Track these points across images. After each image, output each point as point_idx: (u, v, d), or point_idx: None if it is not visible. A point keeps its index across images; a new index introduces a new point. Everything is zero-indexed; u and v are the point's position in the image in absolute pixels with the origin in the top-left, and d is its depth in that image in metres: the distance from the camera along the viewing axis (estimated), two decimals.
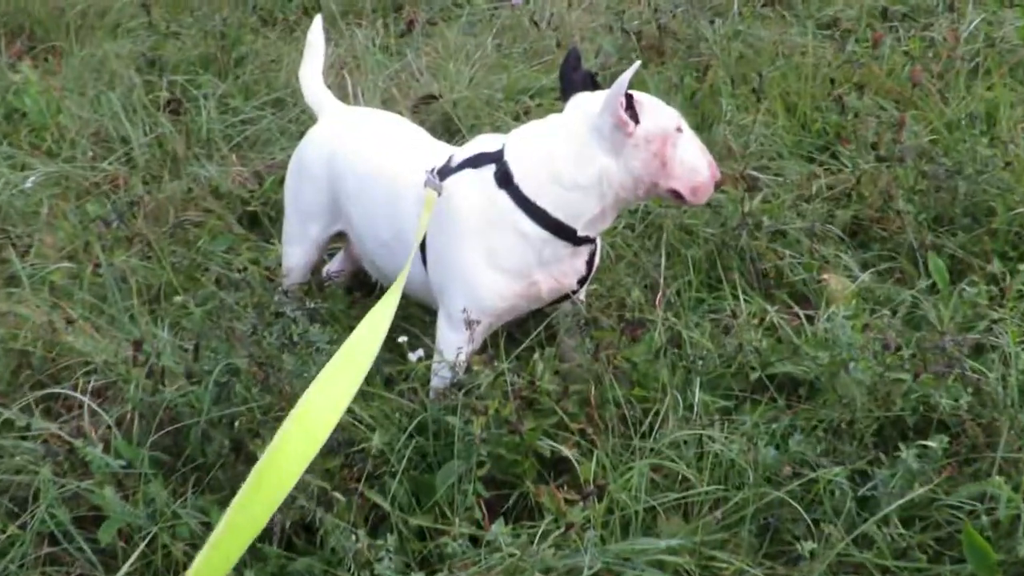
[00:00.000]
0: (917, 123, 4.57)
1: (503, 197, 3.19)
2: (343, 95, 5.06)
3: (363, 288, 3.95)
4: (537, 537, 2.76)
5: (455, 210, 3.24)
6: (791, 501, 2.82)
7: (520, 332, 3.49)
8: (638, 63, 3.14)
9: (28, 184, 4.45)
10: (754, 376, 3.33)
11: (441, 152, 3.52)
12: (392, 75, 5.32)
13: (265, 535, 2.89)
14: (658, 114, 3.17)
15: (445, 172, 3.29)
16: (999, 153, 4.16)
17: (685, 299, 3.67)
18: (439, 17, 6.29)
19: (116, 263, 3.91)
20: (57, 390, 3.21)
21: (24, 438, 3.09)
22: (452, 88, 5.10)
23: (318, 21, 4.04)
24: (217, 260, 4.14)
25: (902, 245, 3.97)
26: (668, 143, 3.14)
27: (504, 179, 3.19)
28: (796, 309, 3.63)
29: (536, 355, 3.17)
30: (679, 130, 3.19)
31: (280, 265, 3.87)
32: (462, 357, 3.23)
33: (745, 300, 3.65)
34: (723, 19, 5.73)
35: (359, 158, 3.58)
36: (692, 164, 3.19)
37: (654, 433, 3.09)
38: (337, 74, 5.23)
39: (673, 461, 2.96)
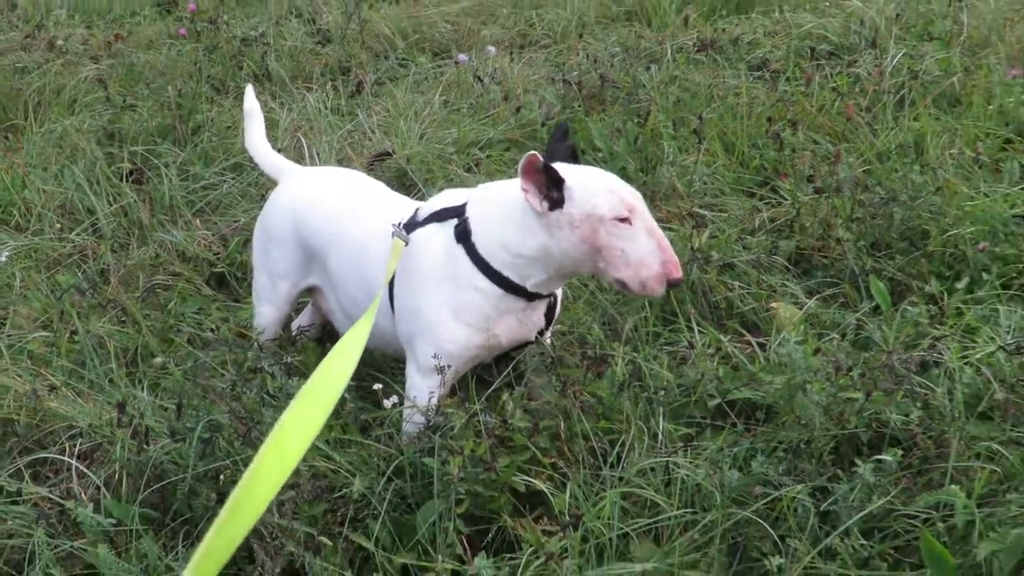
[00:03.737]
0: (850, 155, 4.68)
1: (461, 252, 3.23)
2: (299, 157, 5.12)
3: (332, 340, 3.97)
4: (520, 569, 2.79)
5: (419, 262, 3.29)
6: (758, 519, 2.86)
7: (488, 374, 3.54)
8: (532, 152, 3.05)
9: (3, 258, 4.44)
10: (713, 403, 3.39)
11: (404, 205, 3.58)
12: (345, 135, 5.37)
13: None
14: (586, 200, 3.05)
15: (411, 225, 3.34)
16: (929, 179, 4.26)
17: (643, 333, 3.72)
18: (386, 77, 6.36)
19: (92, 329, 3.92)
20: (44, 455, 3.21)
21: (15, 503, 3.09)
22: (404, 144, 5.16)
23: (250, 90, 4.10)
24: (189, 321, 4.16)
25: (844, 271, 4.06)
26: (599, 231, 3.05)
27: (463, 235, 3.24)
28: (748, 337, 3.70)
29: (505, 395, 3.21)
30: (622, 220, 3.04)
31: (252, 323, 3.90)
32: (433, 401, 3.27)
33: (699, 331, 3.71)
34: (658, 66, 5.83)
35: (326, 216, 3.63)
36: (637, 257, 3.05)
37: (622, 463, 3.14)
38: (292, 137, 5.28)
39: (642, 488, 3.00)
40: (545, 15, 7.32)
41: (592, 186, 3.09)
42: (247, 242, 4.70)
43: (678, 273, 3.06)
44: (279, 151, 4.99)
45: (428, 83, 6.06)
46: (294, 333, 3.93)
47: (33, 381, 3.57)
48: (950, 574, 2.72)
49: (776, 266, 4.08)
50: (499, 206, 3.22)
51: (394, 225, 3.33)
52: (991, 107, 5.01)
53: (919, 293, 3.88)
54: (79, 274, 4.48)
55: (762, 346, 3.64)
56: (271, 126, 5.52)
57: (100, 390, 3.58)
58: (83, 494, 3.03)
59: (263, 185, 5.06)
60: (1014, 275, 3.98)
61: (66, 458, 3.14)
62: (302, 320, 4.07)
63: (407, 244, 3.26)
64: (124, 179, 5.25)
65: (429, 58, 6.82)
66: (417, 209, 3.44)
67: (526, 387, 3.48)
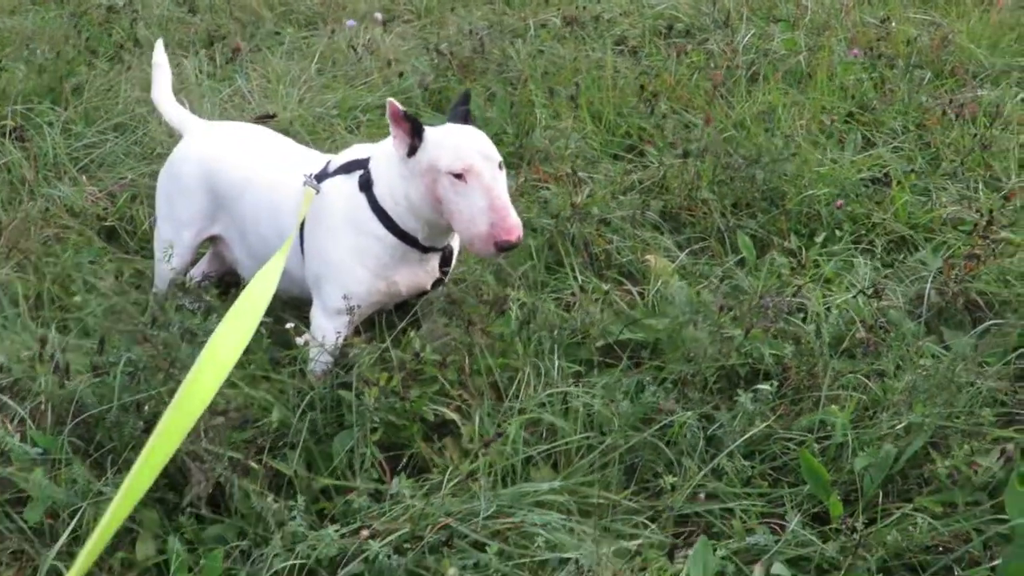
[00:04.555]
0: (706, 125, 4.93)
1: (363, 201, 3.38)
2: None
3: (235, 288, 4.06)
4: (437, 488, 2.95)
5: (327, 209, 3.42)
6: (655, 440, 3.07)
7: (388, 320, 3.67)
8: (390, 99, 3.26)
9: None
10: (600, 343, 3.59)
11: (312, 157, 3.70)
12: (226, 98, 5.42)
13: (178, 508, 3.01)
14: (436, 151, 3.20)
15: (321, 176, 3.46)
16: (785, 145, 4.53)
17: (531, 280, 3.90)
18: (258, 46, 6.41)
19: None
20: None
21: None
22: (285, 108, 5.24)
23: (160, 44, 4.16)
24: (84, 271, 4.17)
25: (709, 228, 4.30)
26: (438, 182, 3.18)
27: (365, 185, 3.38)
28: (628, 286, 3.91)
29: (412, 333, 3.36)
30: (458, 176, 3.16)
31: (154, 270, 3.96)
32: (340, 341, 3.41)
33: (583, 280, 3.91)
34: (523, 40, 6.02)
35: (238, 165, 3.72)
36: (469, 214, 3.15)
37: (520, 396, 3.31)
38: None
39: (543, 416, 3.18)
40: None
41: (441, 140, 3.23)
42: (135, 197, 4.74)
43: (507, 236, 3.10)
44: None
45: (301, 52, 6.13)
46: (195, 280, 3.99)
47: None
48: (826, 488, 2.97)
49: (648, 222, 4.30)
50: (392, 157, 3.36)
51: (305, 175, 3.45)
52: (833, 83, 5.32)
53: (779, 248, 4.14)
54: None
55: (641, 294, 3.86)
56: (148, 89, 5.54)
57: (11, 331, 3.60)
58: (7, 426, 3.07)
59: (147, 144, 5.09)
60: (863, 232, 4.27)
61: None
62: (199, 269, 4.13)
63: (317, 192, 3.39)
64: (7, 136, 5.20)
65: (296, 29, 6.87)
66: (328, 162, 3.56)
67: (423, 330, 3.63)
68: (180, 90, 5.38)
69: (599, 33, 6.05)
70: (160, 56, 4.12)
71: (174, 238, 3.88)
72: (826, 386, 3.21)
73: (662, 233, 4.25)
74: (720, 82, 5.03)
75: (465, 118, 3.45)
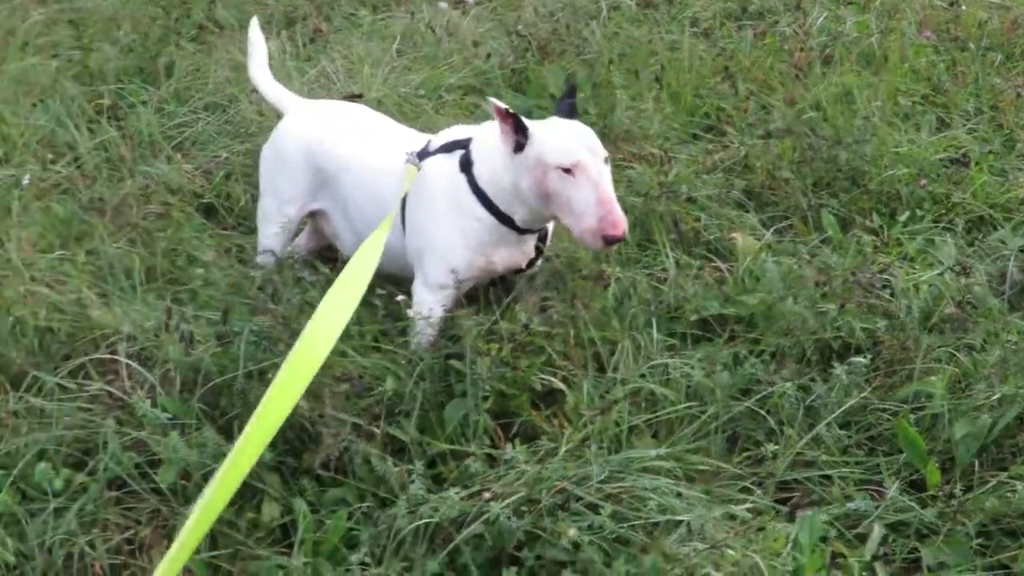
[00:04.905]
0: (788, 105, 5.02)
1: (463, 181, 3.51)
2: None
3: (329, 264, 4.18)
4: (550, 454, 3.07)
5: (428, 187, 3.55)
6: (756, 409, 3.18)
7: (485, 295, 3.80)
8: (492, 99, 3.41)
9: (25, 181, 4.55)
10: (695, 317, 3.69)
11: (412, 136, 3.83)
12: (312, 79, 5.54)
13: (297, 472, 3.15)
14: (543, 146, 3.32)
15: (423, 155, 3.59)
16: (866, 126, 4.62)
17: (624, 257, 4.01)
18: (339, 27, 6.53)
19: (107, 250, 4.07)
20: (97, 356, 3.38)
21: (74, 399, 3.26)
22: (370, 88, 5.35)
23: (255, 22, 4.31)
24: (190, 245, 4.31)
25: (791, 207, 4.39)
26: (547, 176, 3.30)
27: (466, 165, 3.51)
28: (717, 262, 4.02)
29: (518, 307, 3.48)
30: (566, 170, 3.27)
31: (257, 244, 4.09)
32: (440, 313, 3.53)
33: (673, 257, 4.01)
34: (597, 22, 6.11)
35: (341, 144, 3.85)
36: (579, 208, 3.27)
37: (620, 367, 3.43)
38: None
39: (650, 386, 3.30)
40: None
41: (548, 136, 3.36)
42: (230, 175, 4.87)
43: (614, 231, 3.23)
44: (252, 91, 5.18)
45: (380, 34, 6.25)
46: (299, 254, 4.12)
47: (65, 293, 3.71)
48: (923, 456, 3.07)
49: (732, 201, 4.40)
50: (494, 143, 3.48)
51: (408, 153, 3.58)
52: (906, 65, 5.39)
53: (862, 226, 4.23)
54: (75, 203, 4.59)
55: (730, 271, 3.96)
56: (236, 69, 5.68)
57: (130, 303, 3.74)
58: (140, 391, 3.21)
59: (238, 123, 5.23)
60: (943, 211, 4.36)
61: (122, 359, 3.31)
62: (301, 242, 4.26)
63: (419, 170, 3.52)
64: (104, 114, 5.35)
65: (371, 11, 6.98)
66: (429, 141, 3.68)
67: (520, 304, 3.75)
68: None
69: (672, 15, 6.12)
70: (256, 33, 4.26)
71: (277, 212, 4.01)
72: (920, 359, 3.30)
73: (747, 211, 4.34)
74: (802, 64, 5.10)
75: (571, 111, 3.56)
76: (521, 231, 3.54)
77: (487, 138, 3.52)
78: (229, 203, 4.73)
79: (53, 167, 5.01)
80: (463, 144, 3.57)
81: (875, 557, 2.84)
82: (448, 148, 3.60)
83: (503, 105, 3.36)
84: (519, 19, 6.18)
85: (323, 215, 4.03)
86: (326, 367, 3.24)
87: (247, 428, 1.35)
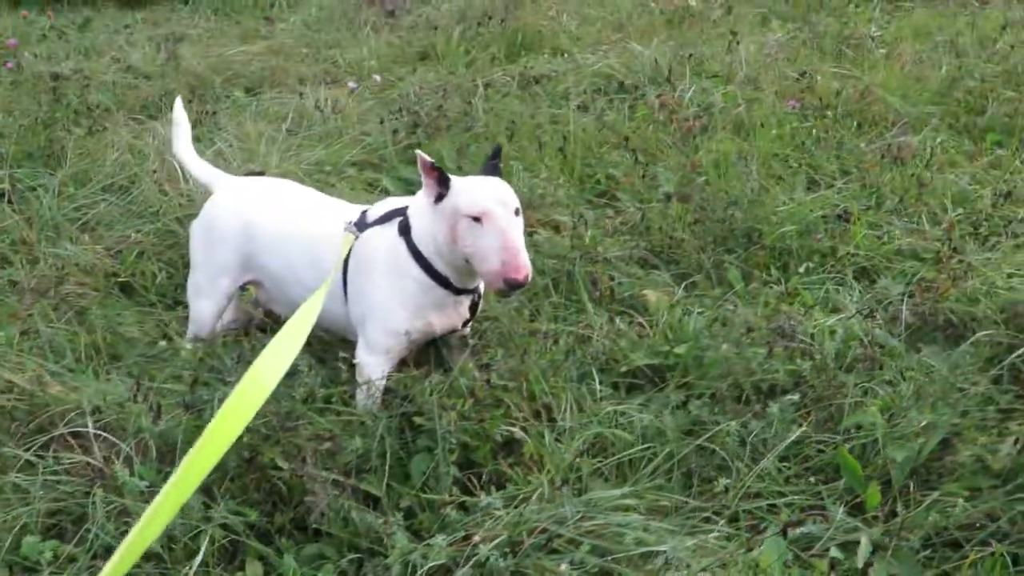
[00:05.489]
0: (668, 170, 5.33)
1: (402, 245, 3.68)
2: (170, 176, 5.36)
3: (271, 329, 4.28)
4: (522, 499, 3.23)
5: (370, 255, 3.71)
6: (709, 445, 3.41)
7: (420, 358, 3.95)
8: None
9: None
10: (623, 369, 3.91)
11: (344, 207, 3.98)
12: (209, 158, 5.62)
13: (274, 529, 3.24)
14: (457, 197, 3.52)
15: (360, 225, 3.74)
16: (753, 188, 4.95)
17: (550, 315, 4.21)
18: (218, 108, 6.63)
19: (42, 329, 4.09)
20: (73, 430, 3.41)
21: (51, 473, 3.29)
22: (268, 165, 5.48)
23: (179, 101, 4.41)
24: (113, 323, 4.35)
25: (693, 264, 4.67)
26: (459, 224, 3.49)
27: (404, 230, 3.68)
28: (638, 317, 4.25)
29: (470, 363, 3.65)
30: (476, 219, 3.46)
31: (190, 317, 4.17)
32: (382, 376, 3.68)
33: (594, 314, 4.23)
34: (475, 99, 6.36)
35: (276, 219, 3.97)
36: (482, 253, 3.45)
37: (566, 415, 3.62)
38: (160, 160, 5.51)
39: (604, 431, 3.50)
40: (344, 54, 7.74)
41: (463, 188, 3.57)
42: (141, 254, 4.93)
43: (516, 275, 3.39)
44: (154, 172, 5.26)
45: (266, 114, 6.37)
46: (225, 325, 4.20)
47: (14, 372, 3.73)
48: (861, 480, 3.34)
49: (637, 260, 4.66)
50: (426, 205, 3.67)
51: (346, 222, 3.73)
52: (773, 132, 5.77)
53: (760, 279, 4.53)
54: None
55: (648, 324, 4.20)
56: (130, 151, 5.74)
57: (80, 380, 3.77)
58: (117, 462, 3.26)
59: (142, 203, 5.28)
60: (832, 263, 4.70)
61: (91, 430, 3.35)
62: (227, 317, 4.34)
63: (356, 238, 3.67)
64: (5, 199, 5.34)
65: (243, 92, 7.11)
66: (364, 211, 3.84)
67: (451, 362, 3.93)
68: (164, 151, 5.59)
69: (546, 91, 6.41)
70: (179, 113, 4.35)
71: (210, 285, 4.10)
72: (849, 394, 3.58)
73: (655, 269, 4.60)
74: (683, 132, 5.42)
75: (494, 170, 3.77)
76: (457, 291, 3.71)
77: (421, 203, 3.70)
78: (144, 281, 4.77)
79: None
80: (401, 211, 3.74)
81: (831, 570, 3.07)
82: (387, 217, 3.76)
83: (428, 158, 3.56)
84: (400, 98, 6.39)
85: (257, 284, 4.13)
86: (298, 424, 3.36)
87: (182, 464, 1.33)
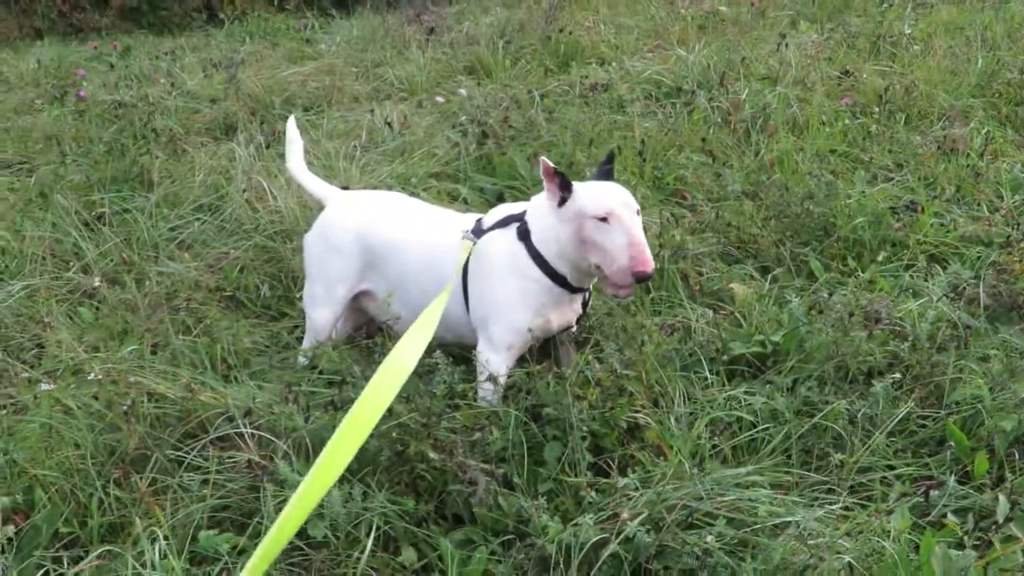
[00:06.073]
0: (734, 170, 5.56)
1: (522, 249, 3.90)
2: (258, 196, 5.59)
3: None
4: (656, 479, 3.46)
5: (491, 259, 3.93)
6: (827, 423, 3.63)
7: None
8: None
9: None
10: (724, 358, 4.14)
11: (454, 215, 4.21)
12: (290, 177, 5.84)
13: (424, 517, 3.46)
14: (583, 200, 3.75)
15: (477, 231, 3.96)
16: (825, 184, 5.18)
17: (649, 310, 4.44)
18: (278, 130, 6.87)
19: (173, 342, 4.31)
20: (227, 431, 3.63)
21: (216, 472, 3.52)
22: (350, 180, 5.69)
23: (292, 120, 4.63)
24: (231, 334, 4.57)
25: (771, 257, 4.90)
26: (585, 224, 3.76)
27: (523, 235, 3.90)
28: (729, 310, 4.48)
29: (606, 351, 3.87)
30: (602, 219, 3.70)
31: (307, 326, 4.38)
32: (505, 371, 3.90)
33: (691, 307, 4.46)
34: (535, 110, 6.59)
35: (391, 227, 4.19)
36: (610, 251, 3.69)
37: (679, 401, 3.84)
38: (249, 179, 5.73)
39: (726, 412, 3.72)
40: (391, 72, 7.97)
41: (587, 191, 3.81)
42: (242, 269, 5.14)
43: (644, 267, 3.67)
44: (240, 193, 5.48)
45: (335, 131, 6.60)
46: (339, 333, 4.40)
47: (165, 383, 3.94)
48: (967, 451, 3.56)
49: (719, 256, 4.88)
50: (545, 208, 3.89)
51: (464, 230, 3.96)
52: (827, 129, 6.00)
53: (837, 269, 4.76)
54: (97, 306, 4.81)
55: (741, 315, 4.43)
56: (213, 172, 5.97)
57: (224, 386, 3.99)
58: (277, 459, 3.48)
59: (234, 221, 5.50)
60: (903, 252, 4.92)
61: (248, 429, 3.58)
62: (345, 328, 4.54)
63: (475, 244, 3.90)
64: (107, 223, 5.57)
65: (301, 112, 7.34)
66: (478, 219, 4.06)
67: (557, 356, 4.15)
68: (248, 171, 5.82)
69: (601, 99, 6.64)
70: (292, 131, 4.58)
71: (327, 294, 4.31)
72: (949, 372, 3.81)
73: (739, 262, 4.83)
74: (772, 132, 5.65)
75: (608, 175, 4.00)
76: (573, 290, 3.93)
77: (538, 207, 3.92)
78: (247, 294, 4.99)
79: (65, 274, 5.20)
80: (517, 218, 3.96)
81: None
82: (504, 223, 3.98)
83: (551, 164, 3.79)
84: (461, 111, 6.62)
85: (368, 295, 4.34)
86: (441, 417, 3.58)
87: (325, 450, 1.46)
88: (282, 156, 6.12)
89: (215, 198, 5.71)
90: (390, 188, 5.60)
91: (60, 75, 8.75)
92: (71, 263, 5.36)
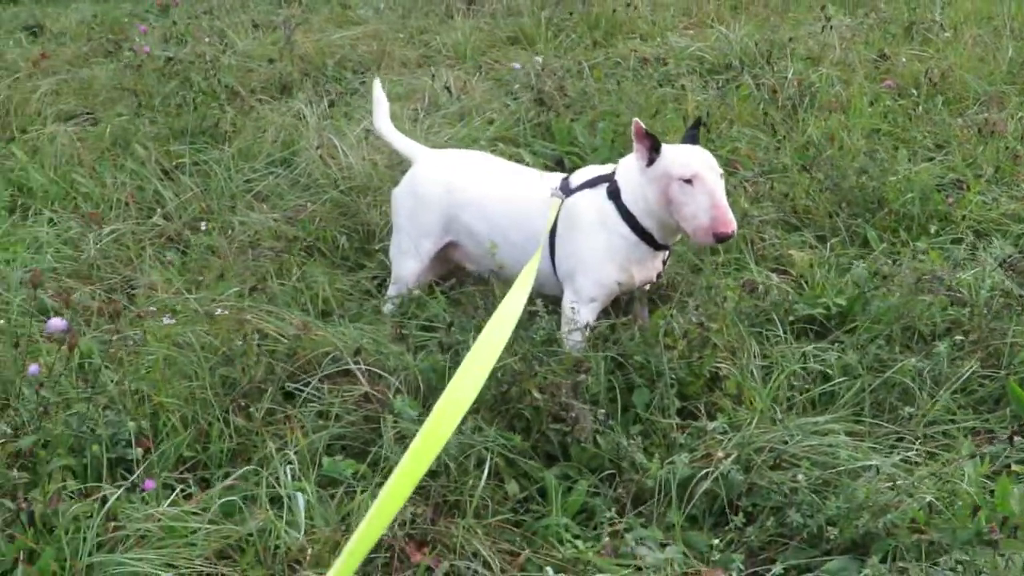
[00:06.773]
0: (782, 144, 5.81)
1: (611, 207, 4.14)
2: (330, 153, 5.81)
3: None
4: (740, 425, 3.71)
5: (580, 216, 4.17)
6: (902, 378, 3.89)
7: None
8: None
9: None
10: (798, 315, 4.39)
11: (537, 173, 4.45)
12: (361, 134, 6.05)
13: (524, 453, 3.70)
14: (669, 162, 3.98)
15: (565, 190, 4.20)
16: (887, 158, 5.45)
17: (719, 272, 4.70)
18: (344, 88, 7.09)
19: (273, 286, 4.55)
20: (341, 368, 3.86)
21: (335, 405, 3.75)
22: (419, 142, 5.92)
23: (377, 82, 4.86)
24: (319, 284, 4.79)
25: (823, 227, 5.15)
26: (671, 186, 3.97)
27: (613, 194, 4.14)
28: (792, 273, 4.74)
29: (688, 306, 4.11)
30: (687, 181, 3.93)
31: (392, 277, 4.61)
32: (591, 322, 4.14)
33: (756, 270, 4.72)
34: (577, 79, 6.82)
35: (479, 183, 4.42)
36: (692, 211, 3.92)
37: (755, 355, 4.10)
38: (320, 137, 5.95)
39: (802, 365, 3.98)
40: (437, 38, 8.19)
41: (673, 154, 4.05)
42: (319, 219, 5.36)
43: (724, 228, 3.91)
44: (314, 149, 5.70)
45: (392, 96, 6.80)
46: (434, 281, 4.63)
47: (271, 323, 4.17)
48: None
49: (779, 224, 5.14)
50: (634, 170, 4.13)
51: (553, 188, 4.20)
52: (871, 109, 6.26)
53: (889, 241, 5.02)
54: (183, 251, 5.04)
55: (803, 280, 4.69)
56: (282, 129, 6.18)
57: (328, 327, 4.22)
58: (388, 393, 3.72)
59: (309, 175, 5.72)
60: (950, 226, 5.19)
61: (363, 366, 3.82)
62: (427, 277, 4.75)
63: (563, 202, 4.14)
64: (188, 172, 5.78)
65: (353, 74, 7.56)
66: (565, 178, 4.30)
67: (633, 312, 4.40)
68: (317, 128, 6.03)
69: (653, 73, 6.87)
70: (378, 92, 4.81)
71: (413, 247, 4.55)
72: (1010, 335, 4.08)
73: (797, 230, 5.08)
74: (837, 107, 5.90)
75: (694, 140, 4.24)
76: (657, 247, 4.17)
77: (628, 167, 4.16)
78: (325, 245, 5.21)
79: (149, 220, 5.43)
80: (607, 178, 4.20)
81: None
82: (593, 183, 4.22)
83: (643, 125, 4.04)
84: (514, 79, 6.84)
85: (454, 246, 4.57)
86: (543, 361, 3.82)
87: (416, 438, 1.47)
88: (347, 115, 6.40)
89: (288, 153, 5.92)
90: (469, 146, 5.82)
91: (114, 30, 8.90)
92: (154, 210, 5.57)
